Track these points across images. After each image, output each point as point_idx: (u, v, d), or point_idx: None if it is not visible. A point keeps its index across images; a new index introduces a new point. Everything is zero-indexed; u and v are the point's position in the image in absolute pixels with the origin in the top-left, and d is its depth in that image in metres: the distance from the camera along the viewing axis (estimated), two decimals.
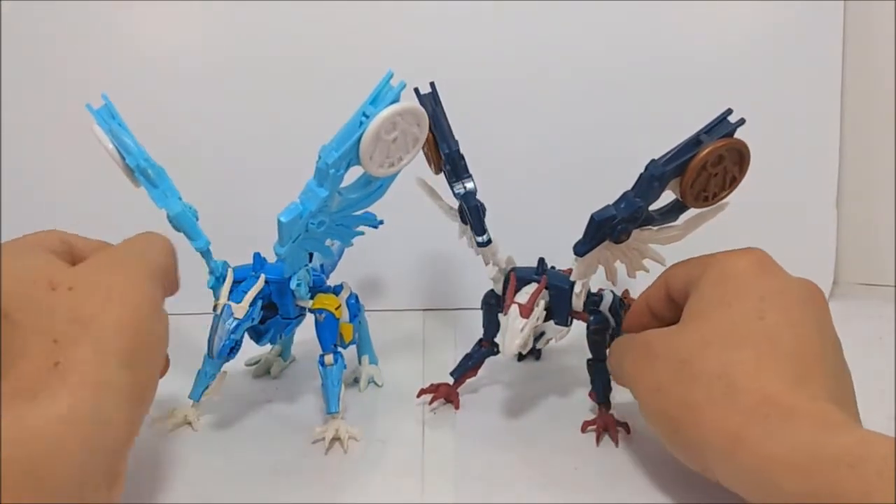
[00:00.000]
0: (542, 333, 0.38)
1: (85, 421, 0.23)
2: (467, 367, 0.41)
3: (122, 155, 0.36)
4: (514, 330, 0.34)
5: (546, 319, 0.38)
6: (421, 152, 0.39)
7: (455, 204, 0.40)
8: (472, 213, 0.38)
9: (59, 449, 0.21)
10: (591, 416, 0.39)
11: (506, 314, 0.35)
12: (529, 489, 0.32)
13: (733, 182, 0.33)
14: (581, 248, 0.35)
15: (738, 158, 0.33)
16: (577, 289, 0.37)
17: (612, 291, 0.40)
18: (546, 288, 0.37)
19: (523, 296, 0.36)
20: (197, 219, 0.37)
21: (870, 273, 0.64)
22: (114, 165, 0.36)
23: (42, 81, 0.57)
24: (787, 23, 0.58)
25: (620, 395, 0.37)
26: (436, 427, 0.39)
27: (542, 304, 0.37)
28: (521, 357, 0.47)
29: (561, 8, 0.57)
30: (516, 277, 0.38)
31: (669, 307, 0.36)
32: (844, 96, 0.60)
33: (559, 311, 0.38)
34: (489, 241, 0.38)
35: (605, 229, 0.34)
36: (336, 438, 0.37)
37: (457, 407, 0.41)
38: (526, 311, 0.35)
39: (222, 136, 0.58)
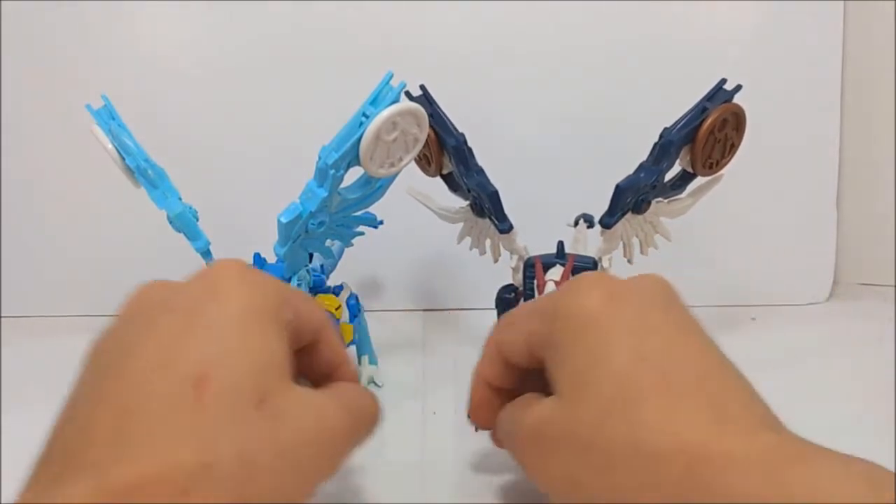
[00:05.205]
0: None
1: None
2: None
3: (122, 155, 0.36)
4: None
5: None
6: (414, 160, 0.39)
7: (450, 207, 0.40)
8: (491, 199, 0.37)
9: None
10: None
11: (541, 293, 0.34)
12: (530, 489, 0.32)
13: (732, 148, 0.35)
14: (608, 220, 0.36)
15: (737, 123, 0.35)
16: (604, 263, 0.38)
17: None
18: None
19: (554, 275, 0.36)
20: (197, 219, 0.37)
21: (870, 273, 0.64)
22: (114, 165, 0.36)
23: (42, 82, 0.57)
24: (787, 22, 0.58)
25: None
26: (436, 427, 0.39)
27: None
28: None
29: (561, 6, 0.57)
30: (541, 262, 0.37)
31: (510, 375, 0.30)
32: (844, 96, 0.60)
33: None
34: (511, 227, 0.38)
35: (629, 198, 0.35)
36: None
37: None
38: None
39: (222, 136, 0.58)
